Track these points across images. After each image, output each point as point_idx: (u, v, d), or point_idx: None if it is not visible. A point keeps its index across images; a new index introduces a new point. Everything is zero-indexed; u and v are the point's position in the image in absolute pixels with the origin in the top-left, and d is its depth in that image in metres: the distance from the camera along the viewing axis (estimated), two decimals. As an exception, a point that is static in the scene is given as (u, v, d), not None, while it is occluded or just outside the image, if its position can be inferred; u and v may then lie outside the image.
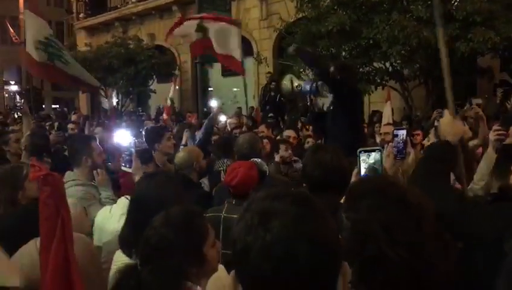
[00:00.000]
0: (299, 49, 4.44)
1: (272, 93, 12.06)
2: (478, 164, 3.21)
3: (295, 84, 6.88)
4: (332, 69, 4.68)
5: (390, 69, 9.91)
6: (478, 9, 8.52)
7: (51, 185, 1.36)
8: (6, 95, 35.35)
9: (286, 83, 7.35)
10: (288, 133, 5.93)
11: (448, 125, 2.25)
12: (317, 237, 0.94)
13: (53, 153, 5.31)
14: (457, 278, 1.22)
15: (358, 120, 4.77)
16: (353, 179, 2.23)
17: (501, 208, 2.04)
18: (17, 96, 32.84)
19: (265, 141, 5.05)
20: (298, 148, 5.64)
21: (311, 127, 6.52)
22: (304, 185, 2.60)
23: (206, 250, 1.78)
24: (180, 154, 3.93)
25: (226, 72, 19.07)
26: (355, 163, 2.23)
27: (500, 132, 2.95)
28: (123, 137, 3.89)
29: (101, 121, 10.77)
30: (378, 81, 10.02)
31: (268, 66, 14.24)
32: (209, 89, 19.44)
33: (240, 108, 14.40)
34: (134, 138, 4.46)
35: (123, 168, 3.27)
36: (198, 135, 5.64)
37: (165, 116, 9.79)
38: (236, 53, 5.65)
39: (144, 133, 5.61)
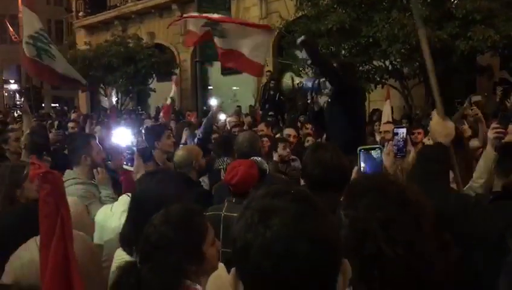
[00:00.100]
0: (307, 40, 4.40)
1: (271, 92, 12.07)
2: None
3: (296, 82, 6.88)
4: (335, 65, 4.67)
5: (390, 67, 9.90)
6: (478, 7, 8.51)
7: (50, 183, 1.36)
8: (6, 94, 35.34)
9: (287, 81, 7.35)
10: (289, 131, 5.93)
11: (438, 126, 2.24)
12: (317, 235, 0.94)
13: (53, 152, 5.31)
14: (457, 278, 1.22)
15: (359, 119, 4.75)
16: (353, 176, 2.23)
17: (503, 207, 2.04)
18: (17, 95, 32.84)
19: (264, 139, 5.06)
20: (298, 146, 5.64)
21: (310, 126, 6.52)
22: (303, 183, 2.60)
23: (206, 248, 1.78)
24: (180, 153, 3.92)
25: (226, 71, 19.08)
26: (356, 162, 2.23)
27: (498, 130, 2.95)
28: (122, 136, 3.89)
29: (101, 120, 10.77)
30: (378, 79, 10.02)
31: (267, 65, 14.24)
32: (209, 87, 19.45)
33: (239, 107, 14.41)
34: (134, 137, 4.46)
35: (125, 166, 3.27)
36: (198, 133, 5.64)
37: (162, 114, 9.75)
38: (261, 58, 5.56)
39: (143, 131, 5.61)
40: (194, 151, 3.97)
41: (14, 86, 34.24)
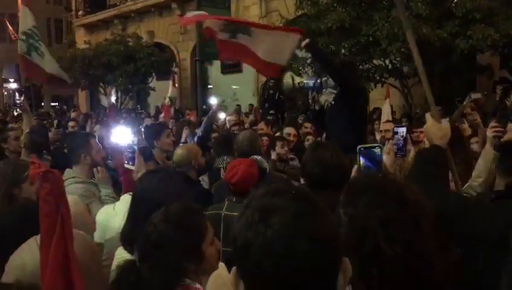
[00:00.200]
0: (311, 43, 4.39)
1: (271, 91, 12.07)
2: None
3: (296, 81, 6.86)
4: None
5: (390, 66, 9.91)
6: (478, 6, 8.52)
7: (50, 182, 1.36)
8: (6, 92, 35.30)
9: (287, 80, 7.34)
10: (289, 130, 5.93)
11: (433, 128, 2.23)
12: (317, 234, 0.94)
13: (53, 151, 5.31)
14: (457, 278, 1.22)
15: (361, 119, 4.75)
16: (353, 175, 2.22)
17: (505, 206, 2.03)
18: (16, 94, 32.81)
19: (264, 138, 5.05)
20: (298, 145, 5.64)
21: (310, 125, 6.52)
22: (303, 182, 2.59)
23: (205, 247, 1.78)
24: (179, 152, 3.91)
25: (226, 70, 19.10)
26: (356, 161, 2.23)
27: (497, 129, 2.94)
28: (122, 135, 3.89)
29: (100, 119, 10.76)
30: (378, 78, 10.02)
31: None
32: (209, 86, 19.45)
33: (239, 105, 14.41)
34: (134, 136, 4.46)
35: (126, 165, 3.27)
36: (198, 132, 5.64)
37: (163, 115, 9.76)
38: (281, 60, 5.49)
39: (143, 130, 5.61)
40: (193, 150, 3.97)
41: (13, 85, 34.20)
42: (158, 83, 18.39)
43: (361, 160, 2.16)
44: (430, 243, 1.17)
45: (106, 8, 22.63)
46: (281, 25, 10.08)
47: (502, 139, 2.93)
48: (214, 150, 4.92)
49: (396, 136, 2.56)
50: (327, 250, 0.95)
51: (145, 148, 3.78)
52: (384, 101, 7.95)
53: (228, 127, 7.65)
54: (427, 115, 2.32)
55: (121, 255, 2.03)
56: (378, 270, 1.14)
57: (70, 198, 1.54)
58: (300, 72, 10.36)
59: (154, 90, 18.66)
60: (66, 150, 4.53)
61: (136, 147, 3.34)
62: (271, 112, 10.52)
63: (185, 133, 5.75)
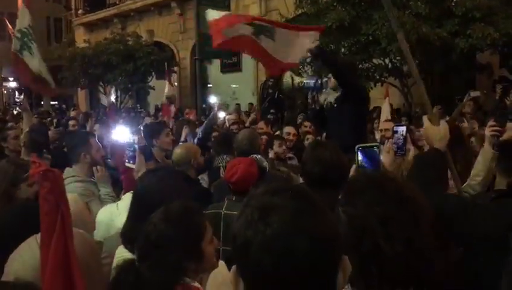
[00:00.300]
0: (318, 54, 4.41)
1: (270, 90, 12.06)
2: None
3: (296, 81, 6.84)
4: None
5: (389, 65, 9.90)
6: (477, 5, 8.52)
7: (50, 181, 1.36)
8: (5, 91, 35.27)
9: (287, 79, 7.32)
10: (288, 129, 5.92)
11: (431, 131, 2.22)
12: (317, 232, 0.94)
13: (52, 150, 5.31)
14: (457, 278, 1.22)
15: (363, 120, 4.76)
16: (351, 174, 2.22)
17: (506, 205, 2.03)
18: (16, 93, 32.78)
19: (264, 137, 5.05)
20: (298, 144, 5.64)
21: (309, 124, 6.52)
22: (303, 181, 2.60)
23: (205, 246, 1.78)
24: (178, 151, 3.91)
25: (225, 69, 19.10)
26: (354, 160, 2.23)
27: (495, 128, 2.94)
28: (122, 134, 3.89)
29: (100, 118, 10.75)
30: (378, 77, 10.02)
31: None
32: (208, 85, 19.45)
33: (238, 104, 14.40)
34: (134, 135, 4.45)
35: (127, 164, 3.27)
36: (198, 132, 5.63)
37: (162, 114, 9.71)
38: (296, 58, 5.42)
39: (142, 129, 5.60)
40: (192, 149, 3.96)
41: (13, 84, 34.16)
42: (157, 82, 18.37)
43: (360, 159, 2.16)
44: (428, 240, 1.17)
45: (106, 7, 22.62)
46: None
47: (501, 138, 2.93)
48: (213, 149, 4.92)
49: (396, 135, 2.56)
50: (326, 248, 0.95)
51: (145, 148, 3.78)
52: (383, 100, 7.95)
53: (227, 126, 7.65)
54: (425, 118, 2.32)
55: (121, 253, 2.03)
56: (378, 269, 1.14)
57: (70, 196, 1.54)
58: (300, 71, 10.34)
59: (154, 89, 18.64)
60: (65, 149, 4.53)
61: (136, 146, 3.34)
62: (271, 111, 10.51)
63: (184, 132, 5.74)
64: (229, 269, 1.03)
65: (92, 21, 23.72)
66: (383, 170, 2.16)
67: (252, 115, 9.01)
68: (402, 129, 2.56)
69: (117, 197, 3.47)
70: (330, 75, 5.00)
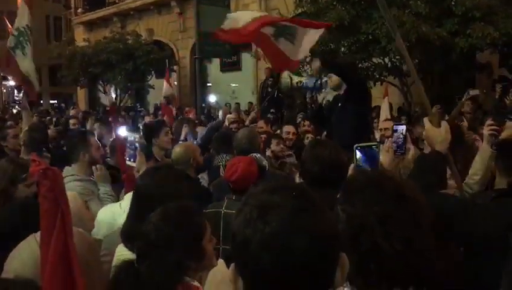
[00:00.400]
0: (324, 64, 4.41)
1: (269, 89, 12.04)
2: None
3: (295, 80, 6.84)
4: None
5: (389, 64, 9.89)
6: (477, 4, 8.50)
7: (50, 179, 1.36)
8: (4, 90, 35.24)
9: (286, 78, 7.31)
10: (288, 128, 5.93)
11: (432, 133, 2.21)
12: (316, 231, 0.95)
13: (52, 149, 5.30)
14: (457, 278, 1.22)
15: (366, 120, 4.75)
16: (350, 173, 2.22)
17: (506, 204, 2.03)
18: (15, 91, 32.74)
19: (263, 136, 5.05)
20: (298, 143, 5.64)
21: (308, 123, 6.52)
22: (302, 180, 2.60)
23: (205, 244, 1.78)
24: (177, 150, 3.90)
25: (225, 68, 19.09)
26: (353, 159, 2.23)
27: (494, 127, 2.94)
28: (122, 132, 3.88)
29: (99, 117, 10.73)
30: (377, 76, 10.01)
31: (267, 62, 14.21)
32: (208, 84, 19.44)
33: (238, 103, 14.40)
34: (134, 133, 4.45)
35: (128, 162, 3.26)
36: (198, 139, 5.62)
37: (161, 113, 9.68)
38: (302, 54, 5.37)
39: (142, 128, 5.60)
40: (192, 148, 3.96)
41: (12, 83, 34.12)
42: (157, 81, 18.35)
43: (358, 158, 2.16)
44: (427, 239, 1.17)
45: (105, 5, 22.60)
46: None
47: (500, 137, 2.92)
48: (213, 148, 4.91)
49: (395, 134, 2.55)
50: (325, 246, 0.95)
51: (146, 147, 3.78)
52: (382, 99, 7.95)
53: (227, 124, 7.64)
54: (425, 120, 2.31)
55: (121, 252, 2.03)
56: (377, 267, 1.14)
57: (68, 194, 1.54)
58: (300, 70, 10.33)
59: (153, 88, 18.63)
60: (64, 148, 4.52)
61: (137, 145, 3.33)
62: (271, 110, 10.50)
63: (184, 130, 5.75)
64: (229, 268, 1.03)
65: (91, 20, 23.70)
66: (381, 168, 2.16)
67: (252, 114, 8.99)
68: (402, 128, 2.55)
69: (116, 196, 3.47)
70: (330, 75, 5.00)
